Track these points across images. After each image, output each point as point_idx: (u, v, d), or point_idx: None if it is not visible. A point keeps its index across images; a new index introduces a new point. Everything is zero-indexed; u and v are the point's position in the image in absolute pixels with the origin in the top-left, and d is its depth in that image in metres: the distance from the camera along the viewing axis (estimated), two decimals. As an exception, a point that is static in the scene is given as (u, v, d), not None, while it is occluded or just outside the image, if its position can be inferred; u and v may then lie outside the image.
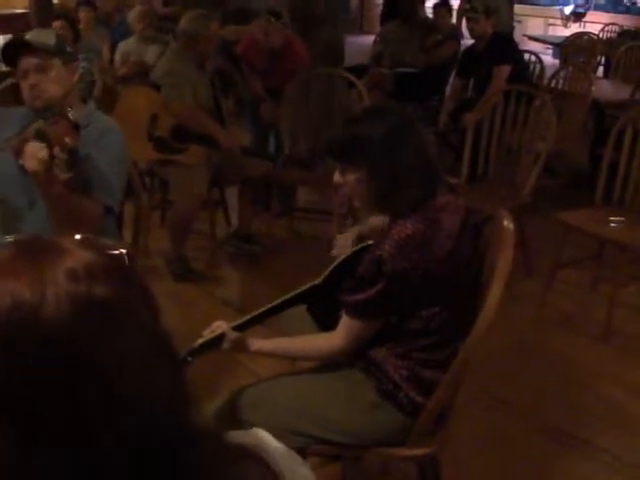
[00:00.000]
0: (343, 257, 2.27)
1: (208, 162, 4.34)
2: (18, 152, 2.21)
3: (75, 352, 0.73)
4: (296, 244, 4.97)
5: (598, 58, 8.02)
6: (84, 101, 2.66)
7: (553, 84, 5.73)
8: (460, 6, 8.01)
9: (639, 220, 3.73)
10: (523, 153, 4.32)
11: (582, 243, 3.99)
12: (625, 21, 11.02)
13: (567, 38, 8.52)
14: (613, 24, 9.81)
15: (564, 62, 7.46)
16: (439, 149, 5.55)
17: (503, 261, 1.99)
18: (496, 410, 3.12)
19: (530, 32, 11.31)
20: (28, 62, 2.43)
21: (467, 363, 2.00)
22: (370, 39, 7.53)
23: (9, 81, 3.80)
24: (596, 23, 11.12)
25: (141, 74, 5.67)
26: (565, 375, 3.41)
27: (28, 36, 2.50)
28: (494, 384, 3.24)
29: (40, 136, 2.09)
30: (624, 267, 3.63)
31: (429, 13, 7.74)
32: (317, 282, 2.26)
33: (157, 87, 4.35)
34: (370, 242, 2.08)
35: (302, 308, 2.31)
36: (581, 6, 13.09)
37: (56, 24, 5.68)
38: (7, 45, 2.51)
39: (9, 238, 0.83)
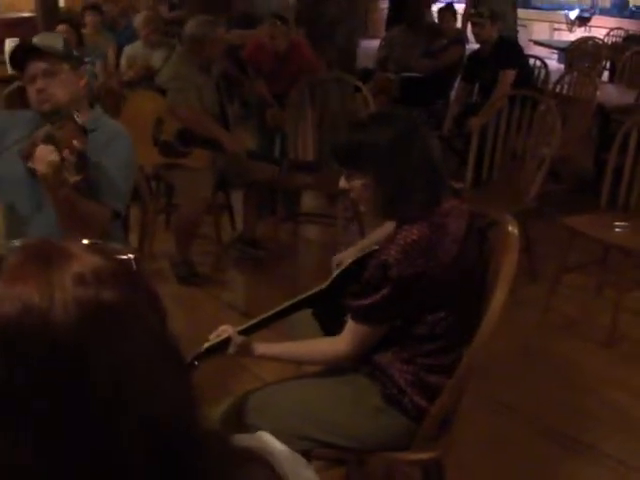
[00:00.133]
0: (349, 262, 2.28)
1: (213, 166, 4.35)
2: (27, 156, 2.21)
3: (83, 356, 0.73)
4: (301, 248, 4.97)
5: (603, 63, 8.01)
6: (91, 105, 2.67)
7: (558, 89, 5.72)
8: (465, 10, 8.02)
9: (644, 225, 3.72)
10: (528, 158, 4.32)
11: (587, 248, 3.98)
12: (630, 26, 11.00)
13: (572, 43, 8.52)
14: (618, 29, 9.80)
15: (569, 67, 7.44)
16: (444, 154, 5.55)
17: (508, 266, 1.99)
18: (500, 415, 3.12)
19: (535, 37, 11.32)
20: (36, 67, 2.44)
21: (471, 368, 2.00)
22: (375, 43, 7.53)
23: (15, 84, 3.82)
24: (601, 28, 11.11)
25: (147, 78, 5.68)
26: (570, 380, 3.41)
27: (36, 40, 2.51)
28: (499, 389, 3.24)
29: (49, 140, 2.10)
30: (629, 272, 3.63)
31: (435, 17, 7.74)
32: (323, 287, 2.27)
33: (163, 91, 4.37)
34: (376, 247, 2.09)
35: (308, 312, 2.31)
36: (586, 11, 13.08)
37: (60, 28, 5.72)
38: (15, 50, 2.52)
39: (16, 242, 0.84)
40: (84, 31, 6.40)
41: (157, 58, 5.92)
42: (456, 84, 6.41)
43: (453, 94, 6.49)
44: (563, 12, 13.24)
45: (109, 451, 0.74)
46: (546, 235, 4.41)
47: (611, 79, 7.95)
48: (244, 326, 2.15)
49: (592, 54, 7.83)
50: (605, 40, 8.98)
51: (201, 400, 0.85)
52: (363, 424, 2.06)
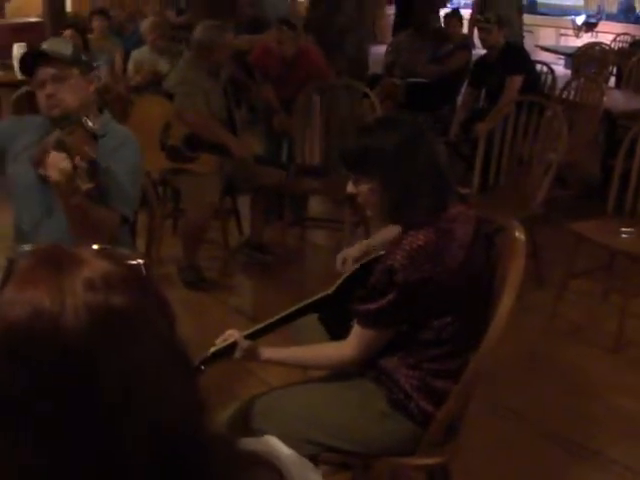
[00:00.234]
0: (355, 267, 2.28)
1: (220, 171, 4.35)
2: (39, 162, 2.22)
3: (93, 361, 0.74)
4: (308, 253, 4.97)
5: (610, 68, 7.99)
6: (100, 110, 2.68)
7: (565, 95, 5.71)
8: (471, 16, 8.02)
9: (650, 231, 3.72)
10: (534, 163, 4.32)
11: (593, 254, 3.98)
12: (637, 31, 10.95)
13: (579, 48, 8.50)
14: (625, 34, 9.78)
15: (576, 72, 7.44)
16: (450, 159, 5.55)
17: (514, 271, 2.00)
18: (507, 420, 3.11)
19: (542, 42, 11.29)
20: (45, 72, 2.44)
21: (478, 373, 2.01)
22: (383, 49, 7.53)
23: (24, 89, 3.84)
24: (608, 33, 11.08)
25: (154, 83, 5.70)
26: (576, 385, 3.40)
27: (45, 46, 2.51)
28: (505, 394, 3.23)
29: (61, 146, 2.10)
30: (635, 278, 3.61)
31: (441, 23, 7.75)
32: (329, 291, 2.27)
33: (170, 96, 4.38)
34: (382, 252, 2.09)
35: (314, 317, 2.31)
36: (593, 16, 13.05)
37: (66, 33, 5.74)
38: (25, 55, 2.53)
39: (27, 247, 0.85)
40: (91, 36, 6.43)
41: (164, 63, 5.94)
42: (463, 89, 6.42)
43: (460, 99, 6.50)
44: (570, 18, 13.22)
45: (111, 453, 0.75)
46: (553, 241, 4.40)
47: (618, 85, 7.93)
48: (250, 330, 2.15)
49: (599, 60, 7.82)
50: (612, 46, 8.97)
51: (208, 404, 0.86)
52: (369, 429, 2.06)
